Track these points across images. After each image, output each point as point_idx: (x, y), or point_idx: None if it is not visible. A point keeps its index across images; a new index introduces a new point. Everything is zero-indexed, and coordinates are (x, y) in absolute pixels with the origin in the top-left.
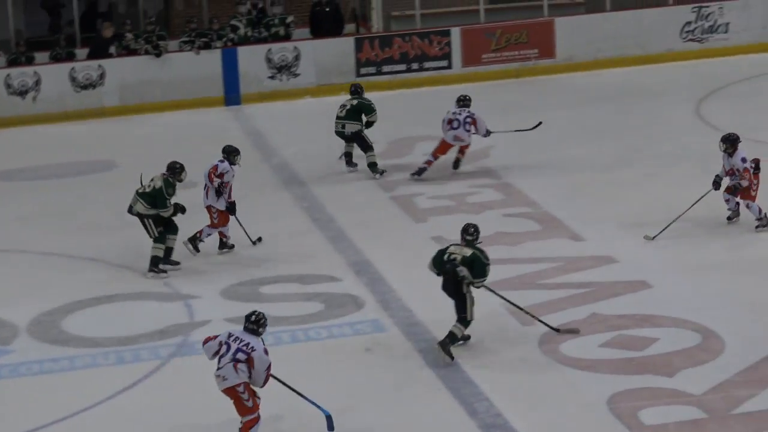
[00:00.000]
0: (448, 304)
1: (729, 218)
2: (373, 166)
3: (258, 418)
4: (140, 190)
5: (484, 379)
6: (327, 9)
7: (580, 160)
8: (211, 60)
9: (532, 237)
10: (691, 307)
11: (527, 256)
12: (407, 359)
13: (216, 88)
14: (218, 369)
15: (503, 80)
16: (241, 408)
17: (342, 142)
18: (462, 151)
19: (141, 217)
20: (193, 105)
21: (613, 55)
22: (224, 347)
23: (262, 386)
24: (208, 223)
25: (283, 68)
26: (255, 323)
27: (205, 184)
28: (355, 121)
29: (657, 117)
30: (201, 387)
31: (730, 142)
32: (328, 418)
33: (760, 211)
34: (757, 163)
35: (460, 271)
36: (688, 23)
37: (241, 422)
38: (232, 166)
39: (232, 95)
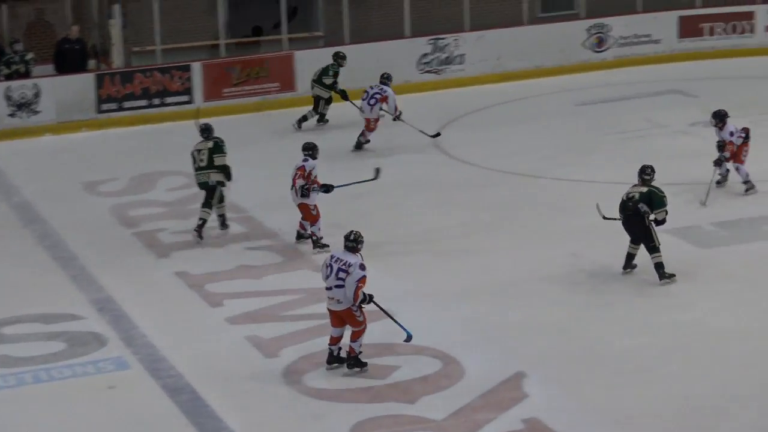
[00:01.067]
0: (193, 337)
1: (718, 182)
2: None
3: (365, 329)
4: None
5: (230, 413)
6: (76, 46)
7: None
8: None
9: (274, 269)
10: (430, 334)
11: (270, 288)
12: (152, 396)
13: None
14: (329, 290)
15: (245, 114)
16: (354, 322)
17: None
18: (366, 129)
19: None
20: None
21: (352, 87)
22: (327, 269)
23: (354, 299)
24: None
25: (23, 105)
26: (354, 241)
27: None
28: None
29: (395, 148)
30: None
31: (719, 118)
32: (409, 335)
33: (747, 174)
34: (747, 132)
35: (641, 207)
36: (425, 55)
37: (352, 331)
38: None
39: None
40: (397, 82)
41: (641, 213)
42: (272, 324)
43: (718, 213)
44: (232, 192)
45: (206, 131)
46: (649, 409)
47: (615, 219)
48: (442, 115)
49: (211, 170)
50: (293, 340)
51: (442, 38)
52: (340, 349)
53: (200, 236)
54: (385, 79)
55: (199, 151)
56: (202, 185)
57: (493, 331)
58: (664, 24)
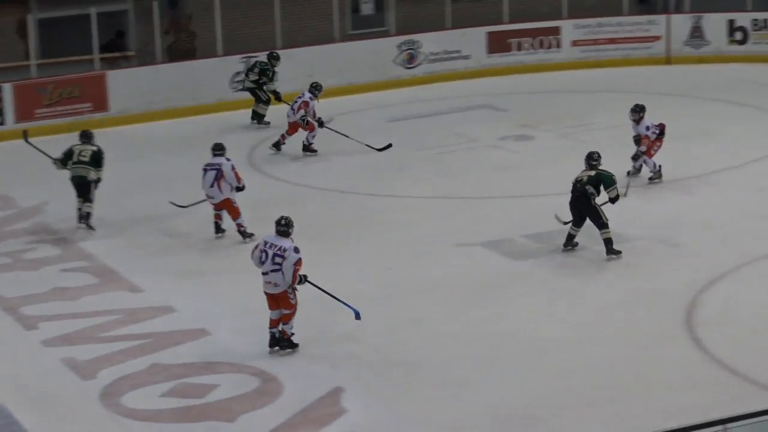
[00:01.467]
0: (7, 361)
1: (628, 173)
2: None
3: (295, 311)
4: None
5: None
6: None
7: (133, 211)
8: None
9: (90, 291)
10: (248, 352)
11: (86, 310)
12: None
13: None
14: (265, 275)
15: (57, 135)
16: (287, 304)
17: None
18: (287, 133)
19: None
20: None
21: (165, 107)
22: (263, 255)
23: (291, 281)
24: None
25: None
26: (285, 225)
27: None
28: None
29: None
30: None
31: (637, 112)
32: (357, 313)
33: (655, 165)
34: (662, 128)
35: (588, 189)
36: (238, 73)
37: (283, 314)
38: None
39: None
40: (211, 100)
41: (588, 194)
42: (88, 346)
43: (527, 225)
44: (47, 214)
45: (86, 136)
46: (467, 419)
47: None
48: (256, 133)
49: (91, 168)
50: (110, 361)
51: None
52: (280, 331)
53: (90, 227)
54: (314, 88)
55: (82, 150)
56: (80, 179)
57: (311, 347)
58: (473, 40)
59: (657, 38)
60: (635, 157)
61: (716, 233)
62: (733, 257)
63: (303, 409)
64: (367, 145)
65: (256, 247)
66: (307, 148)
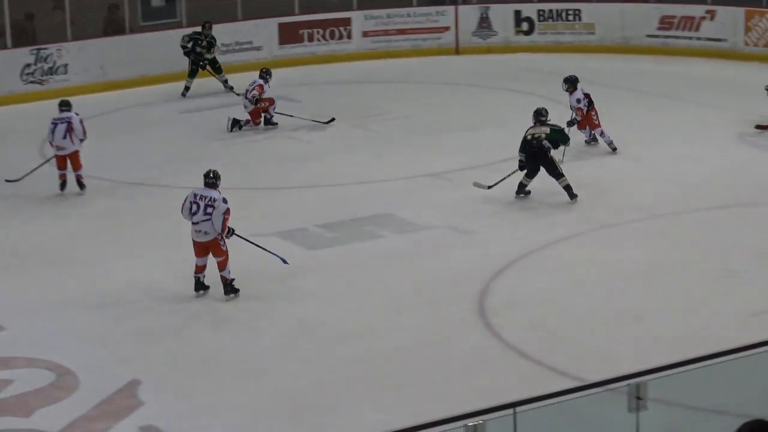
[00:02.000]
0: None
1: (586, 141)
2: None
3: (228, 257)
4: None
5: None
6: None
7: None
8: None
9: None
10: (44, 346)
11: None
12: None
13: None
14: (196, 224)
15: None
16: (218, 252)
17: None
18: (254, 123)
19: None
20: None
21: None
22: (194, 206)
23: (221, 230)
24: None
25: None
26: (213, 178)
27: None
28: None
29: (2, 159)
30: None
31: (570, 83)
32: (283, 260)
33: (590, 134)
34: (588, 97)
35: (545, 144)
36: (28, 65)
37: (217, 262)
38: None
39: None
40: (1, 93)
41: (545, 149)
42: None
43: (322, 215)
44: None
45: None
46: (262, 409)
47: (500, 181)
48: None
49: None
50: None
51: (45, 48)
52: (204, 276)
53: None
54: (265, 73)
55: None
56: None
57: (106, 340)
58: (264, 31)
59: (446, 29)
60: (570, 124)
61: (506, 221)
62: (522, 245)
63: (100, 402)
64: (313, 120)
65: (186, 200)
66: (269, 122)
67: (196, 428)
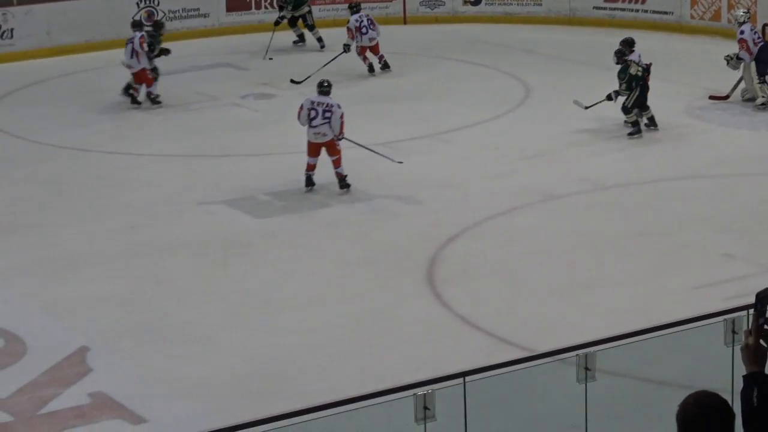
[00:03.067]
0: None
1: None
2: None
3: (341, 156)
4: None
5: None
6: None
7: None
8: None
9: None
10: None
11: None
12: None
13: None
14: (315, 128)
15: None
16: (334, 151)
17: None
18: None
19: None
20: None
21: None
22: (313, 112)
23: (339, 131)
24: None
25: None
26: (328, 86)
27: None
28: None
29: None
30: None
31: (626, 45)
32: (395, 160)
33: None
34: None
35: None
36: None
37: (332, 160)
38: None
39: None
40: None
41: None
42: None
43: (270, 183)
44: None
45: None
46: (214, 376)
47: (596, 104)
48: None
49: None
50: None
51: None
52: (313, 174)
53: None
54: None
55: None
56: None
57: (54, 306)
58: None
59: None
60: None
61: (454, 191)
62: (471, 214)
63: (48, 368)
64: (293, 81)
65: (302, 108)
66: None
67: (145, 395)
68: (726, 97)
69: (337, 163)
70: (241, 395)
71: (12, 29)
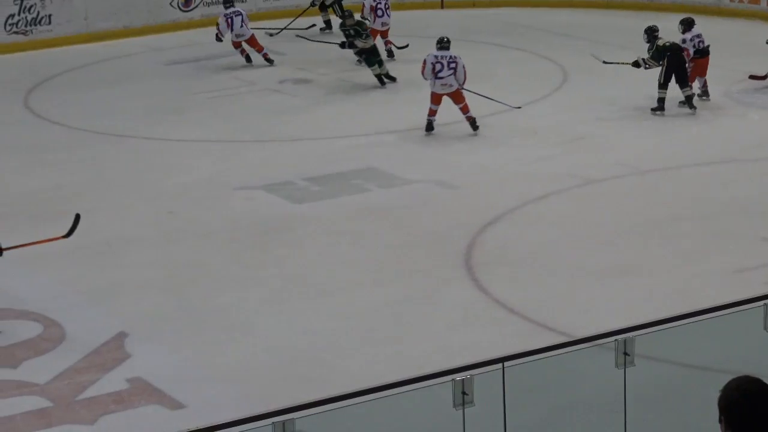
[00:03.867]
0: None
1: (698, 95)
2: None
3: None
4: None
5: None
6: None
7: None
8: None
9: None
10: (30, 298)
11: None
12: None
13: None
14: (441, 79)
15: None
16: (460, 99)
17: None
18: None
19: None
20: None
21: None
22: (438, 65)
23: (463, 81)
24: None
25: None
26: (447, 42)
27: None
28: None
29: None
30: None
31: (685, 24)
32: (512, 106)
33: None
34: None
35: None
36: (12, 15)
37: (460, 107)
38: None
39: None
40: None
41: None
42: None
43: (308, 168)
44: None
45: None
46: (251, 362)
47: (615, 63)
48: (32, 76)
49: None
50: None
51: None
52: (435, 119)
53: None
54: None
55: None
56: None
57: (92, 292)
58: None
59: None
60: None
61: (492, 176)
62: (508, 199)
63: (87, 354)
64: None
65: (425, 63)
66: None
67: (183, 380)
68: (765, 77)
69: (465, 109)
70: (279, 380)
71: (50, 15)
